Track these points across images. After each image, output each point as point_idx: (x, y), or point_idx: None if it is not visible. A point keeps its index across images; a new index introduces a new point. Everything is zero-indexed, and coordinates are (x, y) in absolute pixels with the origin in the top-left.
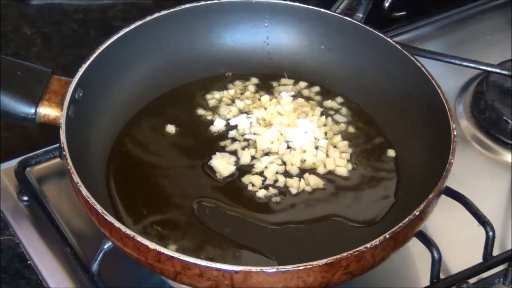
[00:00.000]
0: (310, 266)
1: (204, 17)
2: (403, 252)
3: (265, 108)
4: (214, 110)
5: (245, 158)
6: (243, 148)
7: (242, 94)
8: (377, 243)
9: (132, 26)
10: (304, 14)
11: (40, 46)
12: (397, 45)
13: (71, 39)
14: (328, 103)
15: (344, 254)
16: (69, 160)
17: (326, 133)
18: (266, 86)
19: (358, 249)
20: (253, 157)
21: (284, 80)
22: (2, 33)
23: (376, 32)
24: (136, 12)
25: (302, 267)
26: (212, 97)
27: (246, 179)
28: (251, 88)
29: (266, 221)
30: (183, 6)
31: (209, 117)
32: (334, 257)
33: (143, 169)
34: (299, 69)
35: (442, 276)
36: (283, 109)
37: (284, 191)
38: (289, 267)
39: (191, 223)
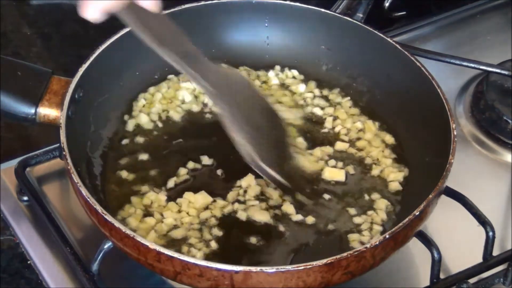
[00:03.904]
0: (310, 266)
1: (204, 17)
2: (403, 252)
3: None
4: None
5: None
6: None
7: None
8: (377, 243)
9: None
10: (304, 14)
11: (40, 46)
12: (397, 45)
13: (71, 39)
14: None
15: (344, 254)
16: (69, 160)
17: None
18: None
19: (358, 249)
20: None
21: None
22: (2, 33)
23: (376, 32)
24: None
25: (302, 267)
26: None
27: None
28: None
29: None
30: (183, 6)
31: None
32: (334, 257)
33: None
34: (299, 69)
35: (442, 276)
36: None
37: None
38: (289, 267)
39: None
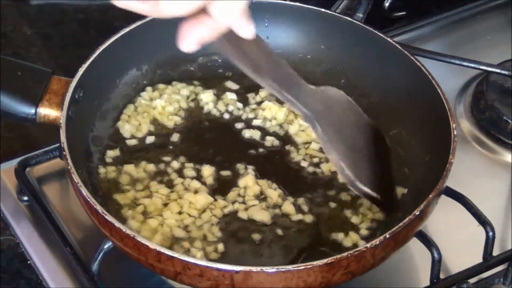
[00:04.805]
0: (311, 266)
1: None
2: (403, 252)
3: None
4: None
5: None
6: None
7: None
8: (377, 243)
9: (132, 26)
10: (304, 14)
11: (40, 46)
12: (397, 45)
13: (71, 39)
14: None
15: (344, 254)
16: (69, 160)
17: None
18: None
19: (358, 249)
20: None
21: None
22: (2, 33)
23: (376, 32)
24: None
25: (303, 267)
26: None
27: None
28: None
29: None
30: None
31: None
32: (334, 257)
33: None
34: (299, 69)
35: (442, 276)
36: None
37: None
38: (289, 267)
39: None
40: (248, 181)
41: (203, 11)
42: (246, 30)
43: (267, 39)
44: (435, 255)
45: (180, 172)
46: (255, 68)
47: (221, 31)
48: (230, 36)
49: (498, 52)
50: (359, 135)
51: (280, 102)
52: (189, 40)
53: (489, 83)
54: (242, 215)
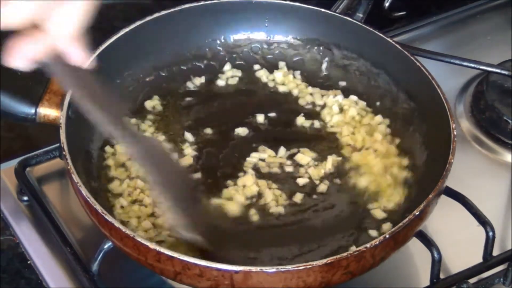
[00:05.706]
0: (310, 266)
1: (204, 17)
2: (403, 252)
3: None
4: None
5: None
6: None
7: None
8: (377, 243)
9: (132, 26)
10: (304, 14)
11: None
12: (397, 45)
13: None
14: (328, 103)
15: (344, 254)
16: (69, 160)
17: None
18: None
19: (358, 249)
20: None
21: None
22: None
23: (376, 32)
24: (136, 12)
25: (302, 267)
26: None
27: None
28: None
29: None
30: (183, 6)
31: None
32: (334, 257)
33: None
34: (299, 69)
35: (442, 276)
36: None
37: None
38: (289, 267)
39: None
40: (247, 181)
41: (36, 27)
42: (79, 56)
43: (267, 39)
44: (435, 255)
45: None
46: (86, 96)
47: (53, 51)
48: (62, 59)
49: (498, 52)
50: (178, 181)
51: None
52: (19, 55)
53: (489, 83)
54: (238, 213)
